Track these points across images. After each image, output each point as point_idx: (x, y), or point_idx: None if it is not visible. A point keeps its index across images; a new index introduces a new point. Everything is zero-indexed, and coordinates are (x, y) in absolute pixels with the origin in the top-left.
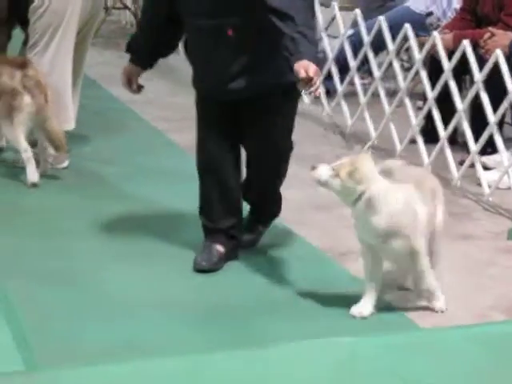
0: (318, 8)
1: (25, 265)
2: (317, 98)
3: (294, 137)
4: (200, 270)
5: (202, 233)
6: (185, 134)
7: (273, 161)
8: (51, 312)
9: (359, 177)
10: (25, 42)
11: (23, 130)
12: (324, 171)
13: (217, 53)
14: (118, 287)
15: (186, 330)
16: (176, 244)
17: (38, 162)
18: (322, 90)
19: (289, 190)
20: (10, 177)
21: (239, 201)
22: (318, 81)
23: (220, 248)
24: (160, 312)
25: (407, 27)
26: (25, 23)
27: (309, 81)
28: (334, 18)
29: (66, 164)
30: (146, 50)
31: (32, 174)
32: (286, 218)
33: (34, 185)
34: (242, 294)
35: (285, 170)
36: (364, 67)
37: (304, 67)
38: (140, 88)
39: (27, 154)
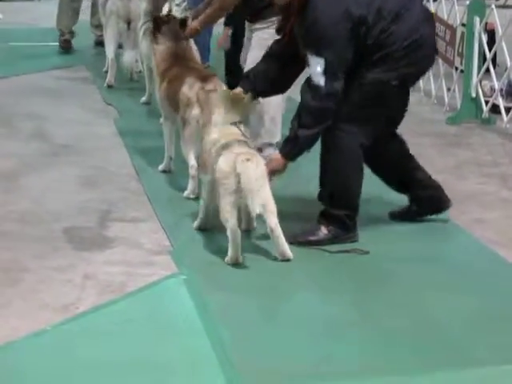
0: None
1: (227, 277)
2: None
3: (494, 156)
4: None
5: None
6: None
7: None
8: (252, 329)
9: None
10: None
11: (193, 144)
12: None
13: None
14: (317, 308)
15: (388, 349)
16: None
17: None
18: None
19: (491, 210)
20: None
21: None
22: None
23: None
24: (360, 332)
25: None
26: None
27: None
28: None
29: None
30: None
31: (191, 189)
32: (487, 238)
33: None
34: (447, 312)
35: None
36: None
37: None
38: None
39: (192, 170)
